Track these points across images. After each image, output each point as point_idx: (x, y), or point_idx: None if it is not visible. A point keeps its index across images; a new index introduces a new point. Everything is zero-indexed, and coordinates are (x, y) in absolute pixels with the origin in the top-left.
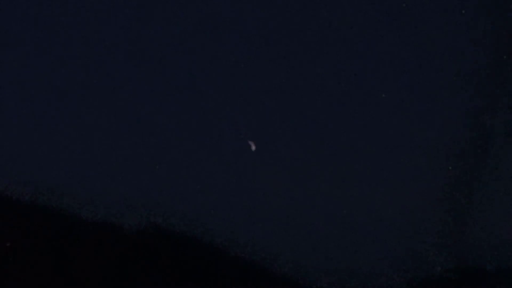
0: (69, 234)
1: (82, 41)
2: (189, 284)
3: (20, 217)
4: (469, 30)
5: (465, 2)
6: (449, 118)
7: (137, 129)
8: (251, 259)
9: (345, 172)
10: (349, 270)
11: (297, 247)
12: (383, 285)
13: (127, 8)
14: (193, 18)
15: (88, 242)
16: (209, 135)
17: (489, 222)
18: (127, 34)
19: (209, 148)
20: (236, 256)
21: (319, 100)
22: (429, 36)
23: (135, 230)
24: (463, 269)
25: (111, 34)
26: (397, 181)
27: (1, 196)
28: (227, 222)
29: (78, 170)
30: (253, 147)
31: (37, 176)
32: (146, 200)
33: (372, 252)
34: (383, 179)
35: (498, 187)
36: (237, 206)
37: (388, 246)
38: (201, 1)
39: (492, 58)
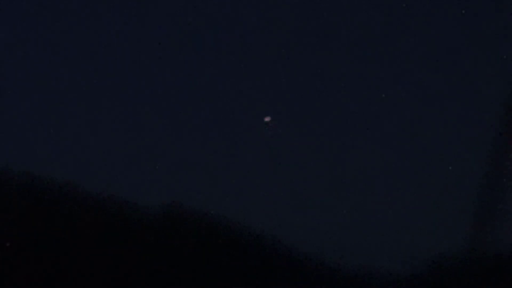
0: (70, 234)
1: (83, 41)
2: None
3: (20, 217)
4: (469, 30)
5: (465, 2)
6: (448, 118)
7: (140, 125)
8: (255, 257)
9: (344, 172)
10: (349, 271)
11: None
12: (382, 286)
13: (127, 8)
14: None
15: (89, 242)
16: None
17: (489, 222)
18: (127, 34)
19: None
20: (241, 255)
21: (318, 100)
22: (429, 36)
23: (139, 231)
24: (463, 269)
25: (111, 34)
26: (397, 181)
27: (1, 196)
28: (228, 220)
29: (80, 170)
30: (267, 119)
31: (38, 176)
32: (149, 200)
33: (371, 253)
34: (382, 179)
35: (498, 187)
36: (239, 204)
37: (387, 247)
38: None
39: (492, 58)
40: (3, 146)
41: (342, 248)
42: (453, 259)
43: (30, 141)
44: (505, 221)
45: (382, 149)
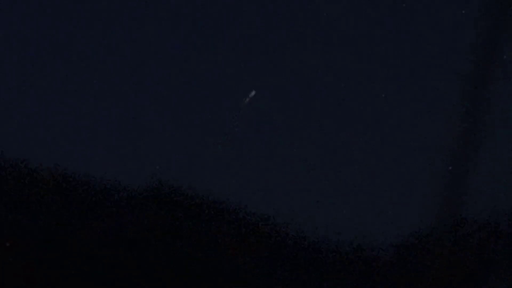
0: (70, 235)
1: (83, 41)
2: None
3: (20, 217)
4: (469, 30)
5: (465, 2)
6: (449, 118)
7: (136, 124)
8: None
9: (344, 173)
10: (348, 270)
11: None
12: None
13: (126, 8)
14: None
15: (89, 242)
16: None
17: (489, 222)
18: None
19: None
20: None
21: (318, 100)
22: (429, 36)
23: (138, 230)
24: (462, 269)
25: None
26: (396, 181)
27: (1, 196)
28: (225, 215)
29: (80, 170)
30: (252, 93)
31: (38, 176)
32: (148, 196)
33: (370, 253)
34: (382, 179)
35: (498, 187)
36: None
37: (386, 247)
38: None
39: (492, 58)
40: (3, 146)
41: (341, 247)
42: (453, 259)
43: (29, 140)
44: (504, 221)
45: (382, 149)
